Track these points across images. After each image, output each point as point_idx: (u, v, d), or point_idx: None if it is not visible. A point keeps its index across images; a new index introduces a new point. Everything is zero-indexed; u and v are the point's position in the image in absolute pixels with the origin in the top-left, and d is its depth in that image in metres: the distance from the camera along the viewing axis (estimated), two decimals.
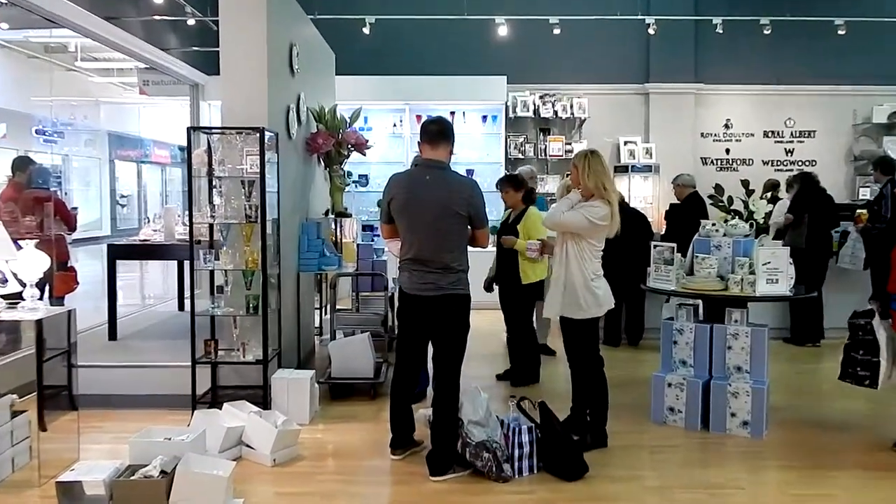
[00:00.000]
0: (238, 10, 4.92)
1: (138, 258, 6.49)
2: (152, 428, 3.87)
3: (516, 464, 3.83)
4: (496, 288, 5.96)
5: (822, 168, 9.98)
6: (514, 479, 3.81)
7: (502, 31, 9.12)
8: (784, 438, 4.54)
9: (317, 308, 7.15)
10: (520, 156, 9.89)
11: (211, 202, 4.79)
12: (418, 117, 9.72)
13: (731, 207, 5.19)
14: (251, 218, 4.65)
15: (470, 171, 9.71)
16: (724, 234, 4.95)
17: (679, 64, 9.98)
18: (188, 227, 4.80)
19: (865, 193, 9.63)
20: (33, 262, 3.85)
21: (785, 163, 10.10)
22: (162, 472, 3.36)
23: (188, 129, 4.64)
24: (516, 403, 4.01)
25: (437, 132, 3.87)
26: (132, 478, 3.37)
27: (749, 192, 5.19)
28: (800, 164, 9.94)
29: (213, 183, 4.79)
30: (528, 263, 5.56)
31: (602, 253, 4.30)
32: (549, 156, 9.91)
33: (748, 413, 4.53)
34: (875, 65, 9.92)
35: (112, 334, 5.94)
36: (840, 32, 9.09)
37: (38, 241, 5.04)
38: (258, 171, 4.59)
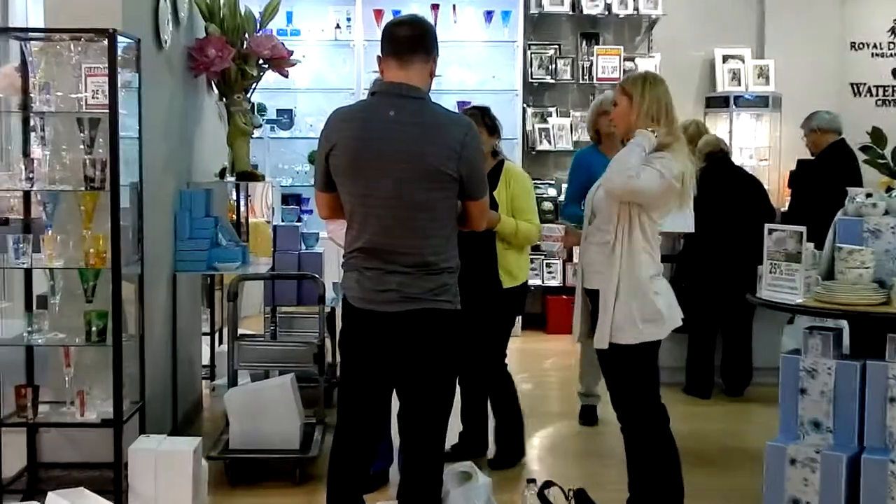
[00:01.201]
0: None
1: None
2: None
3: None
4: None
5: None
6: None
7: None
8: None
9: (206, 333, 7.19)
10: (548, 78, 9.97)
11: (27, 154, 4.81)
12: (377, 12, 9.78)
13: None
14: (94, 183, 4.67)
15: (463, 103, 9.80)
16: (887, 213, 5.04)
17: None
18: None
19: None
20: None
21: None
22: None
23: None
24: (538, 493, 4.09)
25: (409, 39, 3.78)
26: None
27: None
28: None
29: (32, 123, 4.82)
30: (512, 256, 5.52)
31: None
32: (598, 79, 9.98)
33: None
34: None
35: None
36: None
37: None
38: (106, 102, 4.61)
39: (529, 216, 5.54)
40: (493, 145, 5.55)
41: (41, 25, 5.23)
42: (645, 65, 9.96)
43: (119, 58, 4.68)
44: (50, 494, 4.35)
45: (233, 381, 5.71)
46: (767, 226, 5.17)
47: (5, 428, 4.80)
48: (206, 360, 7.15)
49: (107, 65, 4.61)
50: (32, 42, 4.86)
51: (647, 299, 4.23)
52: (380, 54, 3.86)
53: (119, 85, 4.67)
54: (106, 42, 4.61)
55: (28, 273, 4.91)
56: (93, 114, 4.68)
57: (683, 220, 5.92)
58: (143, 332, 5.13)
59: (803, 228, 5.03)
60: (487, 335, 5.41)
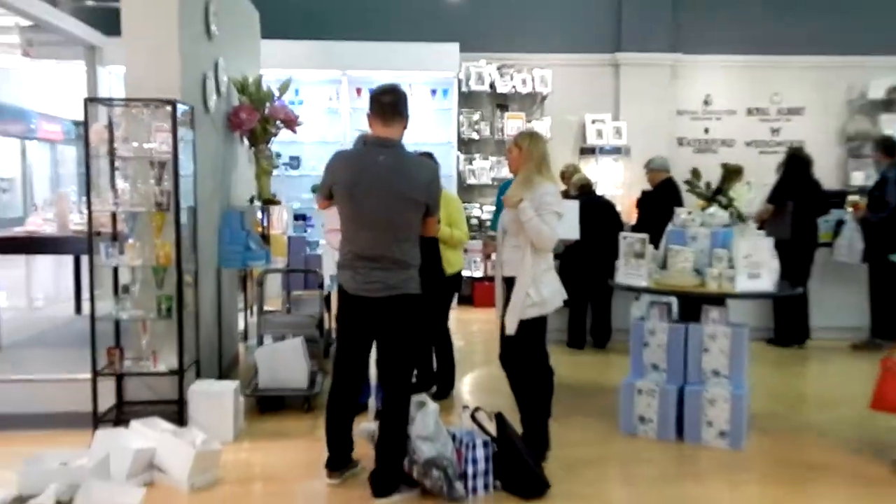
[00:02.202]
0: None
1: (23, 252, 6.30)
2: (45, 452, 3.84)
3: (470, 482, 3.92)
4: None
5: (811, 150, 10.29)
6: (468, 499, 3.91)
7: None
8: (766, 450, 4.75)
9: (241, 310, 7.15)
10: (475, 135, 10.01)
11: (113, 187, 4.75)
12: (358, 90, 9.78)
13: (713, 195, 5.37)
14: (162, 206, 4.64)
15: (417, 151, 9.83)
16: (701, 224, 5.14)
17: (654, 31, 10.18)
18: (86, 217, 4.74)
19: (858, 178, 10.01)
20: None
21: (770, 143, 10.40)
22: (58, 502, 3.36)
23: (85, 100, 4.58)
24: (470, 415, 4.10)
25: (392, 104, 3.82)
26: None
27: (729, 178, 5.38)
28: (787, 144, 10.21)
29: (116, 164, 4.75)
30: (450, 252, 5.60)
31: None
32: (508, 136, 9.99)
33: (726, 422, 4.72)
34: (872, 33, 10.15)
35: None
36: None
37: None
38: (170, 150, 4.57)
39: (460, 226, 5.66)
40: None
41: (122, 96, 5.11)
42: (539, 126, 9.99)
43: (178, 118, 4.64)
44: (133, 422, 4.31)
45: (260, 342, 5.73)
46: (622, 234, 5.27)
47: (101, 377, 4.73)
48: (242, 328, 7.11)
49: (170, 124, 4.57)
50: (116, 108, 4.79)
51: (538, 288, 4.25)
52: (369, 114, 3.88)
53: (178, 137, 4.63)
54: (170, 108, 4.58)
55: (115, 270, 4.86)
56: (160, 158, 4.64)
57: (572, 231, 6.17)
58: (197, 309, 5.10)
59: (646, 236, 5.12)
60: (435, 306, 5.43)
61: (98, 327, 4.70)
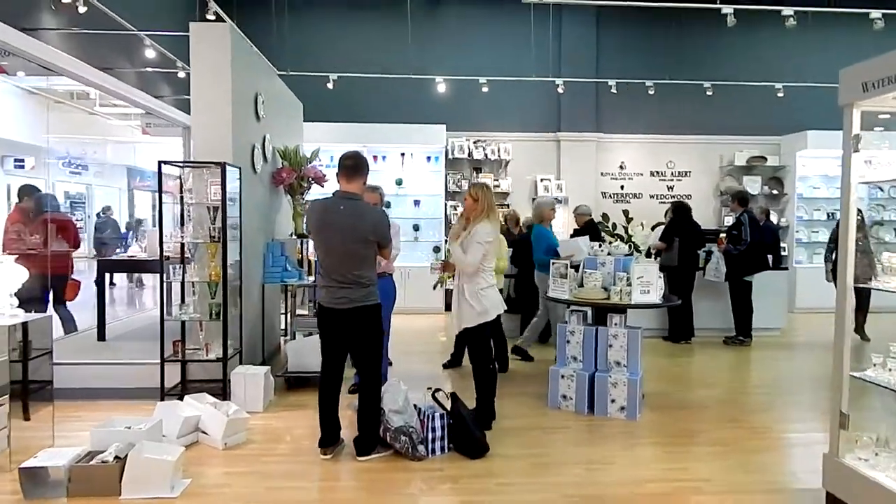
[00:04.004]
0: (206, 65, 4.73)
1: (124, 271, 6.14)
2: (115, 418, 3.62)
3: (430, 445, 3.68)
4: None
5: (696, 201, 10.09)
6: (428, 458, 3.66)
7: (441, 87, 9.07)
8: (654, 420, 4.48)
9: (283, 313, 6.90)
10: (457, 189, 9.78)
11: (182, 224, 4.56)
12: (375, 157, 9.57)
13: (615, 232, 5.16)
14: (215, 238, 4.43)
15: (417, 202, 9.64)
16: (608, 254, 4.92)
17: (583, 117, 10.02)
18: (160, 246, 4.55)
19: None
20: (11, 275, 3.57)
21: (667, 196, 10.17)
22: (116, 457, 3.12)
23: (158, 162, 4.39)
24: (432, 394, 3.86)
25: (352, 167, 3.60)
26: (90, 463, 3.12)
27: (629, 220, 5.17)
28: (678, 197, 10.05)
29: (184, 209, 4.56)
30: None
31: (493, 267, 4.17)
32: None
33: (625, 400, 4.46)
34: (736, 119, 10.13)
35: (101, 335, 5.61)
36: (707, 93, 9.32)
37: (36, 254, 4.80)
38: (219, 198, 4.38)
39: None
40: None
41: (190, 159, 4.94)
42: (503, 184, 9.84)
43: (227, 176, 4.45)
44: (186, 397, 4.08)
45: (293, 337, 5.46)
46: (552, 260, 5.03)
47: (168, 362, 4.51)
48: (283, 326, 6.83)
49: (220, 180, 4.38)
50: (186, 168, 4.61)
51: (479, 301, 4.01)
52: (337, 173, 3.66)
53: (228, 190, 4.44)
54: (219, 169, 4.38)
55: (182, 284, 4.64)
56: (214, 204, 4.44)
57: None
58: (241, 313, 4.86)
59: (569, 261, 4.89)
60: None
61: (173, 326, 4.48)
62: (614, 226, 5.21)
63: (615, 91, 9.25)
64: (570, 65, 9.79)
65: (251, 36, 7.73)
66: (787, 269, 8.55)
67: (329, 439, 3.67)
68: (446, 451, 3.73)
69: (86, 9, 5.34)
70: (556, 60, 9.78)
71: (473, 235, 3.99)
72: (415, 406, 3.82)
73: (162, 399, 4.37)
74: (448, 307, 9.07)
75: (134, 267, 6.00)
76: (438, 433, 3.70)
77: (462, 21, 9.96)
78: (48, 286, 6.17)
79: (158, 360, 4.47)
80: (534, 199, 7.58)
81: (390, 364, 6.03)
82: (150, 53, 6.79)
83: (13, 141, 10.01)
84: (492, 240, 4.01)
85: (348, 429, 3.88)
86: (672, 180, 10.36)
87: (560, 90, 9.25)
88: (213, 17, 5.49)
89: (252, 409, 4.44)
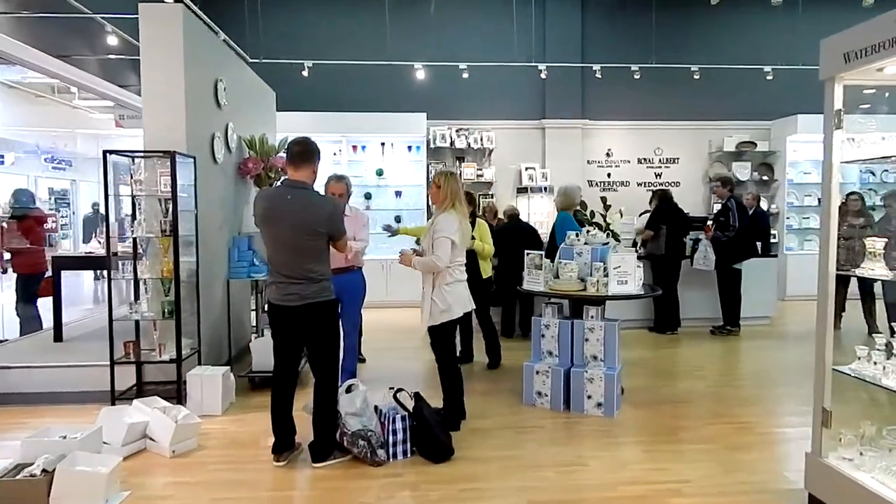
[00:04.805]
0: (156, 47, 4.45)
1: (79, 268, 5.87)
2: (51, 426, 3.37)
3: (391, 449, 3.46)
4: None
5: (684, 188, 9.95)
6: (389, 462, 3.44)
7: (420, 74, 8.79)
8: (633, 417, 4.27)
9: (253, 309, 6.66)
10: None
11: (135, 217, 4.31)
12: (354, 147, 9.34)
13: (593, 220, 4.93)
14: (166, 232, 4.19)
15: (398, 192, 9.38)
16: (585, 243, 4.69)
17: (568, 103, 9.74)
18: (107, 241, 4.30)
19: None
20: None
21: (654, 184, 9.92)
22: (44, 470, 2.88)
23: (104, 152, 4.12)
24: (393, 395, 3.64)
25: (299, 153, 3.34)
26: (16, 477, 2.89)
27: (606, 208, 4.93)
28: (667, 184, 9.82)
29: (135, 202, 4.31)
30: (483, 261, 5.43)
31: (463, 262, 3.92)
32: (464, 179, 9.55)
33: (602, 396, 4.25)
34: (725, 104, 9.89)
35: (58, 336, 5.37)
36: (695, 77, 9.08)
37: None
38: (169, 191, 4.13)
39: (488, 241, 5.50)
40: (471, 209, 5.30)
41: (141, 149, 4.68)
42: (487, 173, 9.61)
43: (181, 167, 4.19)
44: (134, 401, 3.83)
45: (261, 335, 5.22)
46: (526, 251, 4.79)
47: (122, 364, 4.27)
48: (254, 323, 6.58)
49: (169, 170, 4.12)
50: (137, 159, 4.35)
51: (443, 297, 3.77)
52: (285, 161, 3.41)
53: (179, 181, 4.18)
54: (169, 159, 4.12)
55: (136, 282, 4.39)
56: (166, 196, 4.19)
57: None
58: (199, 311, 4.60)
59: (542, 252, 4.67)
60: (478, 302, 4.97)
61: (127, 326, 4.25)
62: (592, 214, 4.97)
63: (600, 76, 9.00)
64: (554, 49, 9.53)
65: (223, 23, 7.43)
66: (776, 256, 8.35)
67: (283, 445, 3.44)
68: (409, 455, 3.51)
69: None
70: (539, 45, 9.51)
71: (436, 229, 3.75)
72: (375, 408, 3.60)
73: (113, 403, 4.15)
74: None
75: (89, 263, 5.72)
76: (400, 436, 3.48)
77: (442, 5, 9.68)
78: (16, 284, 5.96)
79: (108, 363, 4.21)
80: (558, 188, 7.27)
81: (363, 361, 5.82)
82: (112, 40, 6.50)
83: None
84: (456, 231, 3.77)
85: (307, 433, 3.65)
86: (660, 167, 10.13)
87: (543, 76, 8.98)
88: (179, 3, 5.21)
89: (209, 413, 4.22)
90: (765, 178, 9.89)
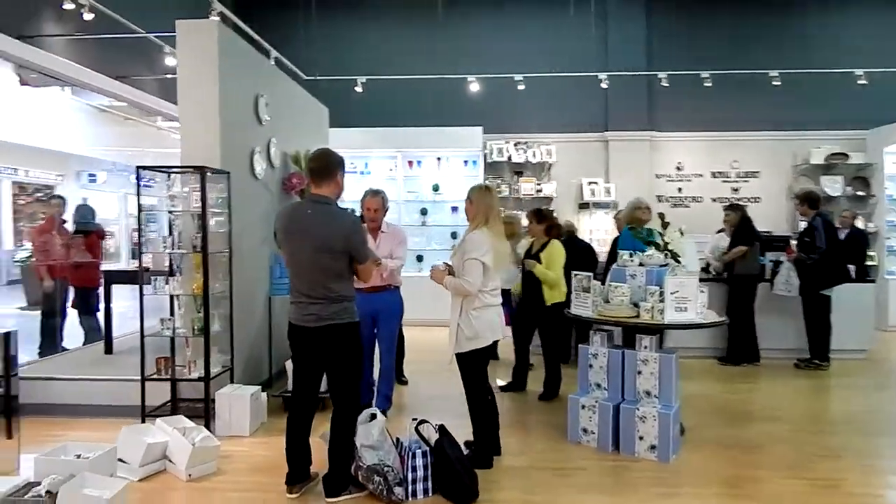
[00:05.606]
0: (192, 68, 4.46)
1: (128, 283, 6.01)
2: (69, 443, 3.34)
3: (410, 486, 3.18)
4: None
5: (765, 204, 9.19)
6: (407, 501, 3.16)
7: (474, 87, 8.58)
8: (692, 463, 3.76)
9: None
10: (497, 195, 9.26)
11: (170, 233, 4.30)
12: (410, 163, 9.23)
13: (650, 239, 4.50)
14: (196, 248, 4.14)
15: (455, 208, 9.17)
16: (640, 264, 4.27)
17: (634, 114, 9.23)
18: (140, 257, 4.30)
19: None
20: None
21: (731, 199, 9.18)
22: (48, 491, 2.82)
23: (137, 168, 4.15)
24: (415, 427, 3.36)
25: (318, 170, 3.16)
26: (24, 497, 2.83)
27: (665, 225, 4.49)
28: (745, 200, 9.08)
29: (171, 218, 4.31)
30: (547, 288, 5.01)
31: (497, 286, 3.61)
32: (523, 195, 9.26)
33: (655, 437, 3.79)
34: (810, 112, 9.06)
35: (108, 349, 5.48)
36: (775, 84, 8.34)
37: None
38: (212, 206, 4.12)
39: (556, 269, 5.03)
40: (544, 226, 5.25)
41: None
42: (546, 188, 9.25)
43: (216, 183, 4.16)
44: (158, 420, 3.76)
45: None
46: (574, 272, 4.42)
47: (150, 381, 4.25)
48: None
49: (199, 185, 4.09)
50: (173, 174, 4.36)
51: (469, 324, 3.48)
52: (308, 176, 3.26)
53: (215, 197, 4.15)
54: (199, 175, 4.10)
55: (171, 297, 4.36)
56: (198, 212, 4.15)
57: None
58: (232, 329, 4.51)
59: (591, 273, 4.29)
60: (542, 329, 5.17)
61: (151, 343, 4.23)
62: (649, 232, 4.52)
63: (667, 84, 8.46)
64: (617, 57, 9.09)
65: (279, 43, 7.59)
66: (874, 281, 7.44)
67: (297, 476, 3.25)
68: (429, 493, 3.22)
69: (92, 16, 5.25)
70: (601, 53, 9.10)
71: (466, 249, 3.47)
72: (397, 440, 3.34)
73: (142, 420, 4.11)
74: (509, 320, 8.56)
75: (135, 278, 5.82)
76: (420, 473, 3.20)
77: (496, 14, 9.45)
78: (71, 296, 6.18)
79: (139, 378, 4.20)
80: (617, 211, 6.96)
81: (405, 383, 5.59)
82: (171, 61, 6.71)
83: (86, 157, 10.45)
84: (486, 252, 3.48)
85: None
86: (737, 182, 9.38)
87: (603, 85, 8.55)
88: (217, 18, 5.29)
89: (237, 434, 4.12)
90: (859, 193, 8.94)
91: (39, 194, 12.16)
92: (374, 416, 3.31)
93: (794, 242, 6.44)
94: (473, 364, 3.54)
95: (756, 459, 3.83)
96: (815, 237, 6.08)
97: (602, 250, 7.07)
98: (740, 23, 8.93)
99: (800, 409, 5.00)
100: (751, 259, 6.26)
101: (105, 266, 6.18)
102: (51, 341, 5.97)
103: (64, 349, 5.97)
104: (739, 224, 6.38)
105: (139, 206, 4.15)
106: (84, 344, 6.08)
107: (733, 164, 9.36)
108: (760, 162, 9.31)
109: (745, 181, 9.37)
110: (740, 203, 6.73)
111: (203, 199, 4.03)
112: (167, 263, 4.33)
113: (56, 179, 12.30)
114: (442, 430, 3.35)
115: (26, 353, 5.76)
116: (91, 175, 12.93)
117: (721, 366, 6.27)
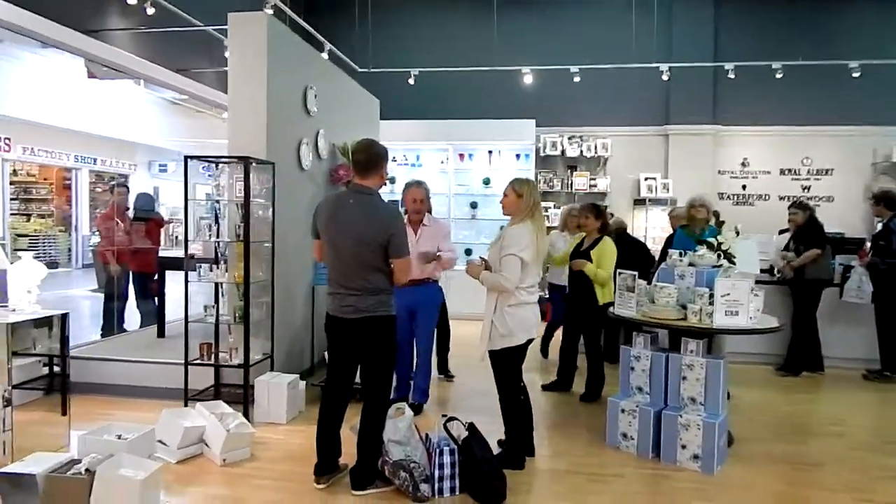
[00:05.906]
0: (242, 60, 4.56)
1: (179, 269, 6.25)
2: (112, 423, 3.48)
3: (436, 484, 3.13)
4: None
5: (839, 204, 8.61)
6: (433, 499, 3.12)
7: (528, 79, 8.38)
8: (738, 477, 3.54)
9: None
10: (549, 190, 9.07)
11: (216, 222, 4.41)
12: (461, 156, 9.17)
13: (703, 238, 4.25)
14: (240, 237, 4.23)
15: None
16: (690, 264, 4.05)
17: (697, 107, 8.83)
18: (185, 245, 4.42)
19: (879, 228, 8.10)
20: (31, 271, 3.58)
21: (802, 198, 8.63)
22: (87, 469, 2.93)
23: (185, 157, 4.26)
24: (443, 424, 3.31)
25: (364, 161, 3.14)
26: (66, 474, 2.96)
27: (719, 224, 4.23)
28: (816, 199, 8.53)
29: (217, 207, 4.42)
30: (598, 287, 4.83)
31: (534, 283, 3.50)
32: (576, 190, 9.03)
33: (698, 447, 3.59)
34: (893, 105, 8.38)
35: (161, 332, 5.71)
36: (854, 75, 7.75)
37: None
38: (256, 196, 4.19)
39: (606, 268, 4.81)
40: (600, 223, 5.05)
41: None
42: (601, 183, 8.98)
43: (260, 174, 4.23)
44: (197, 405, 3.86)
45: None
46: (618, 270, 4.24)
47: (193, 366, 4.38)
48: None
49: (243, 175, 4.16)
50: (219, 163, 4.47)
51: (503, 320, 3.38)
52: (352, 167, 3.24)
53: (259, 186, 4.22)
54: (243, 165, 4.17)
55: (216, 285, 4.48)
56: (240, 201, 4.24)
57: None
58: (272, 315, 4.57)
59: (636, 273, 4.10)
60: (589, 329, 5.01)
61: (196, 328, 4.36)
62: (702, 232, 4.29)
63: (734, 76, 8.01)
64: (681, 48, 8.69)
65: (333, 36, 7.67)
66: None
67: (325, 466, 3.26)
68: (457, 492, 3.17)
69: (153, 10, 5.44)
70: (664, 43, 8.71)
71: (505, 245, 3.38)
72: (426, 436, 3.30)
73: (185, 404, 4.24)
74: (544, 315, 8.37)
75: (177, 265, 6.04)
76: (447, 471, 3.15)
77: (550, 5, 9.21)
78: (131, 281, 6.48)
79: (183, 362, 4.34)
80: (672, 209, 6.73)
81: (450, 378, 5.54)
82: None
83: (157, 147, 10.99)
84: (527, 247, 3.37)
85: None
86: (808, 179, 8.83)
87: (665, 77, 8.18)
88: (271, 12, 5.38)
89: (275, 421, 4.20)
90: None
91: (113, 182, 12.89)
92: (401, 411, 3.28)
93: (868, 245, 5.96)
94: (506, 362, 3.46)
95: (811, 477, 3.57)
96: (892, 240, 5.62)
97: (657, 248, 6.79)
98: (816, 10, 8.35)
99: (865, 424, 4.63)
100: (822, 263, 5.84)
101: (165, 252, 6.40)
102: (112, 323, 6.28)
103: (124, 331, 6.26)
104: (806, 225, 5.97)
105: (185, 194, 4.26)
106: (140, 327, 6.36)
107: (804, 161, 8.80)
108: (835, 158, 8.71)
109: (818, 179, 8.80)
110: (808, 202, 6.28)
111: (246, 189, 4.11)
112: (213, 251, 4.45)
113: (129, 169, 12.96)
114: (471, 428, 3.28)
115: (93, 333, 6.12)
116: (161, 165, 13.56)
117: (779, 375, 5.89)
